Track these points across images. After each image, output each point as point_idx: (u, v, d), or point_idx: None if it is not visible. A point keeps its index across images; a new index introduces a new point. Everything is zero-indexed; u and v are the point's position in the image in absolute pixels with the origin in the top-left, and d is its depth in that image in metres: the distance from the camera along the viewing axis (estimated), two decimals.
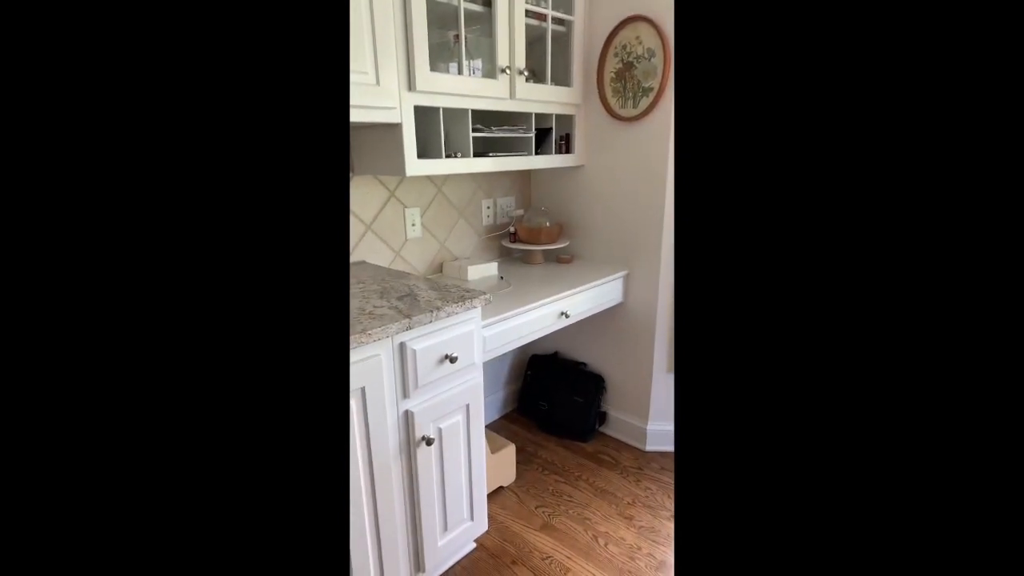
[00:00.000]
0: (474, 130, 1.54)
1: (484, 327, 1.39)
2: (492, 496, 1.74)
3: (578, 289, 1.70)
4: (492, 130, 1.63)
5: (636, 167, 1.81)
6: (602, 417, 2.10)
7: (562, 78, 1.84)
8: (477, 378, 1.33)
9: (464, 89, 1.46)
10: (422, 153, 1.45)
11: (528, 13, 1.62)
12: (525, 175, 2.18)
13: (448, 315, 1.19)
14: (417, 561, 1.28)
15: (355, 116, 1.21)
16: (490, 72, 1.58)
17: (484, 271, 1.81)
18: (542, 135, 1.84)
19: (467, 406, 1.32)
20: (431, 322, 1.16)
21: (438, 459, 1.27)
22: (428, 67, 1.34)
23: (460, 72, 1.46)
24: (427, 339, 1.17)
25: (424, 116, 1.43)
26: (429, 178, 1.81)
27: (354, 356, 1.02)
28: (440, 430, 1.26)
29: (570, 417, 2.06)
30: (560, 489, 1.79)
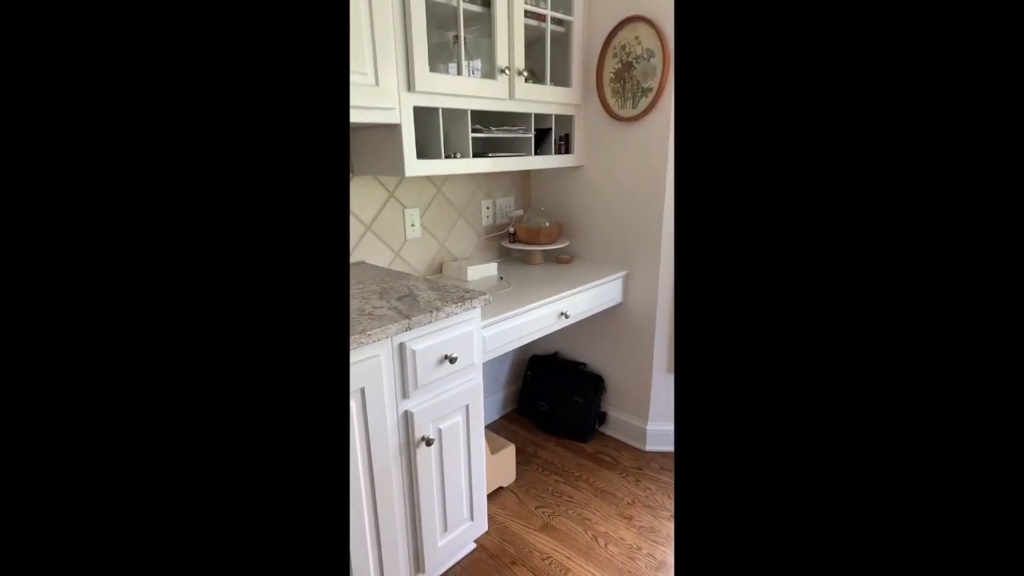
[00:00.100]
0: (473, 130, 1.54)
1: (484, 327, 1.39)
2: (492, 496, 1.74)
3: (578, 289, 1.70)
4: (491, 130, 1.63)
5: (635, 167, 1.81)
6: (602, 417, 2.10)
7: (561, 78, 1.84)
8: (477, 378, 1.33)
9: (463, 89, 1.46)
10: (421, 153, 1.45)
11: (527, 13, 1.62)
12: (524, 175, 2.18)
13: (448, 315, 1.19)
14: (417, 562, 1.28)
15: (354, 117, 1.21)
16: (489, 72, 1.58)
17: (484, 271, 1.81)
18: (541, 135, 1.84)
19: (467, 406, 1.32)
20: (431, 323, 1.16)
21: (438, 460, 1.27)
22: (427, 67, 1.34)
23: (459, 72, 1.46)
24: (427, 339, 1.17)
25: (423, 116, 1.43)
26: (428, 178, 1.81)
27: (354, 357, 1.02)
28: (440, 430, 1.26)
29: (570, 417, 2.06)
30: (560, 489, 1.79)
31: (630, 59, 1.73)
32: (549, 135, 1.85)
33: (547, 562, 1.48)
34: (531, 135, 1.74)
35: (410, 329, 1.12)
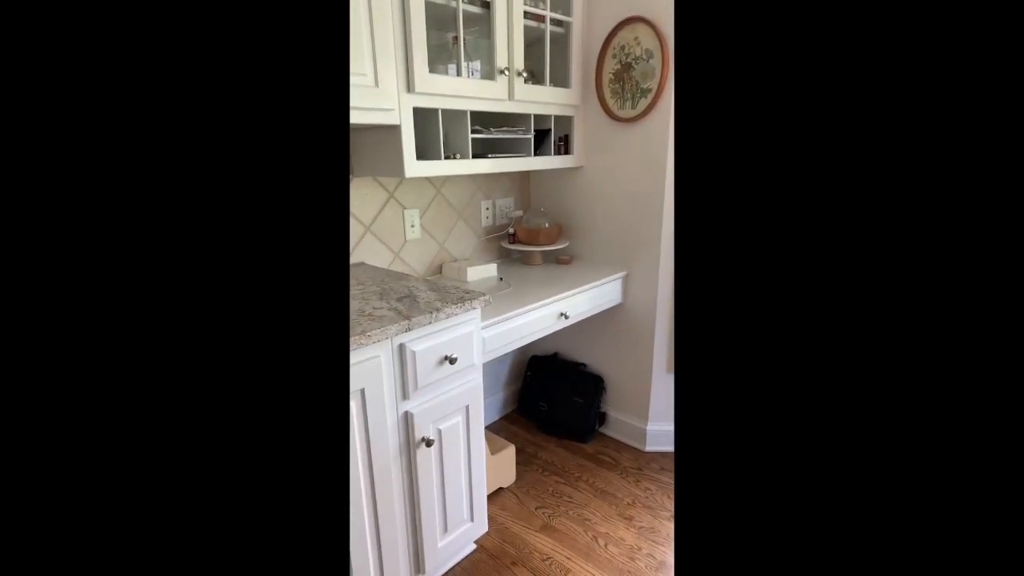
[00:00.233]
0: (473, 131, 1.54)
1: (484, 328, 1.39)
2: (492, 497, 1.74)
3: (577, 290, 1.70)
4: (491, 131, 1.63)
5: (635, 168, 1.81)
6: (602, 418, 2.10)
7: (561, 79, 1.84)
8: (477, 379, 1.33)
9: (463, 90, 1.46)
10: (421, 154, 1.45)
11: (526, 14, 1.62)
12: (524, 176, 2.18)
13: (448, 316, 1.19)
14: (417, 562, 1.28)
15: (354, 118, 1.21)
16: (489, 73, 1.58)
17: (483, 272, 1.81)
18: (541, 136, 1.84)
19: (467, 407, 1.32)
20: (431, 323, 1.16)
21: (438, 460, 1.27)
22: (427, 68, 1.34)
23: (459, 73, 1.46)
24: (427, 340, 1.17)
25: (423, 117, 1.44)
26: (428, 179, 1.81)
27: (354, 358, 1.02)
28: (440, 431, 1.26)
29: (570, 418, 2.07)
30: (560, 490, 1.79)
31: (629, 60, 1.73)
32: (548, 136, 1.85)
33: (547, 563, 1.48)
34: (531, 136, 1.74)
35: (410, 330, 1.12)
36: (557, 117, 1.84)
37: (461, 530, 1.39)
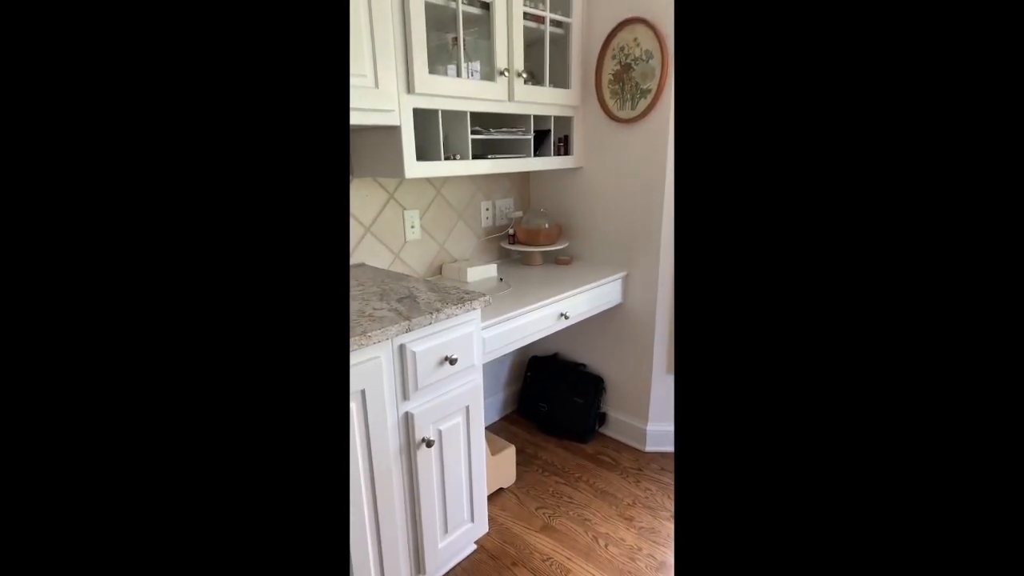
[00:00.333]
0: (473, 132, 1.55)
1: (484, 329, 1.39)
2: (492, 498, 1.74)
3: (577, 290, 1.70)
4: (491, 132, 1.64)
5: (634, 168, 1.81)
6: (602, 418, 2.10)
7: (560, 80, 1.84)
8: (477, 380, 1.33)
9: (463, 91, 1.46)
10: (421, 155, 1.45)
11: (526, 15, 1.62)
12: (524, 177, 2.18)
13: (448, 317, 1.19)
14: (418, 563, 1.28)
15: (354, 119, 1.22)
16: (488, 74, 1.58)
17: (483, 273, 1.81)
18: (541, 137, 1.84)
19: (467, 408, 1.32)
20: (431, 324, 1.16)
21: (438, 461, 1.27)
22: (427, 69, 1.35)
23: (459, 74, 1.47)
24: (427, 341, 1.17)
25: (423, 118, 1.44)
26: (428, 180, 1.81)
27: (354, 358, 1.02)
28: (440, 432, 1.26)
29: (570, 418, 2.07)
30: (560, 490, 1.79)
31: (629, 61, 1.73)
32: (548, 136, 1.85)
33: (548, 563, 1.48)
34: (530, 137, 1.74)
35: (410, 330, 1.12)
36: (557, 118, 1.85)
37: (461, 530, 1.39)
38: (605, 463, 1.93)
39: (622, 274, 1.90)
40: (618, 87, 1.78)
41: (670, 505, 1.70)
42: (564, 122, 1.90)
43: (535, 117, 1.75)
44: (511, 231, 2.01)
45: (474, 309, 1.27)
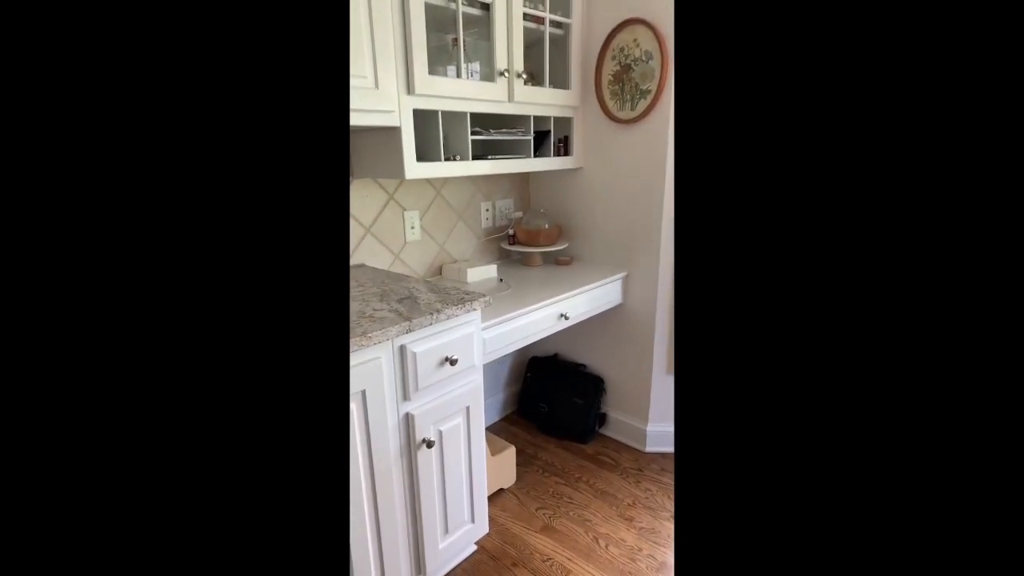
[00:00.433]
0: (473, 133, 1.55)
1: (484, 329, 1.39)
2: (492, 498, 1.74)
3: (577, 291, 1.70)
4: (491, 133, 1.64)
5: (634, 169, 1.81)
6: (602, 419, 2.10)
7: (560, 81, 1.85)
8: (477, 380, 1.33)
9: (463, 92, 1.47)
10: (421, 156, 1.45)
11: (526, 16, 1.63)
12: (524, 177, 2.18)
13: (448, 317, 1.19)
14: (418, 563, 1.28)
15: (354, 119, 1.22)
16: (488, 75, 1.58)
17: (483, 273, 1.81)
18: (540, 137, 1.84)
19: (467, 408, 1.32)
20: (431, 324, 1.16)
21: (439, 461, 1.27)
22: (427, 70, 1.35)
23: (459, 75, 1.47)
24: (427, 341, 1.17)
25: (423, 119, 1.44)
26: (428, 181, 1.81)
27: (354, 359, 1.02)
28: (440, 432, 1.26)
29: (570, 419, 2.07)
30: (560, 491, 1.79)
31: (628, 61, 1.74)
32: (548, 137, 1.85)
33: (548, 564, 1.48)
34: (530, 137, 1.74)
35: (411, 331, 1.12)
36: (556, 118, 1.85)
37: (462, 531, 1.39)
38: (605, 464, 1.93)
39: (622, 274, 1.90)
40: (618, 88, 1.78)
41: (670, 505, 1.70)
42: (564, 123, 1.90)
43: (535, 118, 1.75)
44: (511, 232, 2.01)
45: (474, 310, 1.27)
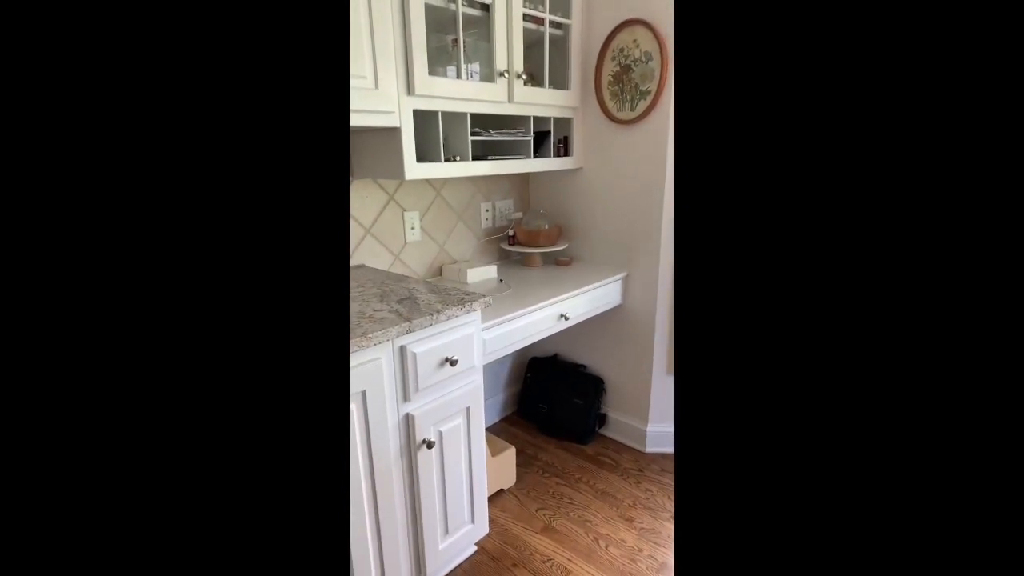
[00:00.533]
0: (473, 133, 1.55)
1: (484, 330, 1.39)
2: (493, 499, 1.74)
3: (577, 291, 1.70)
4: (491, 133, 1.64)
5: (634, 169, 1.81)
6: (602, 419, 2.10)
7: (560, 81, 1.85)
8: (477, 381, 1.33)
9: (463, 93, 1.47)
10: (421, 157, 1.45)
11: (526, 17, 1.63)
12: (524, 178, 2.18)
13: (448, 318, 1.19)
14: (418, 564, 1.28)
15: (354, 120, 1.22)
16: (488, 76, 1.58)
17: (483, 274, 1.81)
18: (540, 138, 1.84)
19: (467, 409, 1.32)
20: (431, 325, 1.16)
21: (439, 462, 1.27)
22: (427, 71, 1.35)
23: (459, 76, 1.47)
24: (427, 342, 1.17)
25: (423, 120, 1.44)
26: (428, 182, 1.81)
27: (354, 360, 1.02)
28: (441, 433, 1.26)
29: (570, 419, 2.07)
30: (560, 491, 1.79)
31: (628, 62, 1.74)
32: (548, 138, 1.85)
33: (548, 564, 1.47)
34: (530, 138, 1.75)
35: (411, 332, 1.12)
36: (556, 119, 1.85)
37: (462, 532, 1.38)
38: (605, 464, 1.93)
39: (622, 275, 1.90)
40: (618, 88, 1.79)
41: (670, 506, 1.70)
42: (564, 123, 1.90)
43: (535, 118, 1.75)
44: (511, 232, 2.01)
45: (474, 310, 1.27)
